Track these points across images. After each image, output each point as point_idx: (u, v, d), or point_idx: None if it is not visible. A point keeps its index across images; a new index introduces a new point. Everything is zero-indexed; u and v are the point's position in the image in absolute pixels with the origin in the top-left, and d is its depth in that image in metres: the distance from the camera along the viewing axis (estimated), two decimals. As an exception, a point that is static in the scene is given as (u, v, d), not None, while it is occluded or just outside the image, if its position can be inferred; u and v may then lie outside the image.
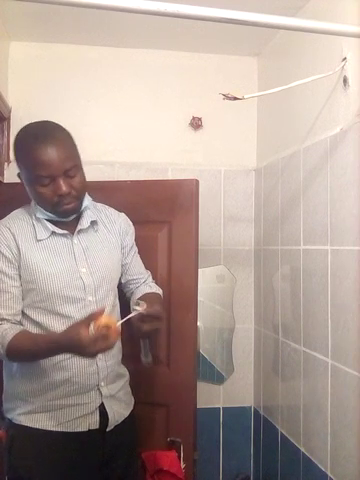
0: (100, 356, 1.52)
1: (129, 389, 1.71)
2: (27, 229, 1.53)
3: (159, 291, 1.80)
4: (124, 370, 1.69)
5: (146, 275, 1.81)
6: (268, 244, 2.35)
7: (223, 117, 2.46)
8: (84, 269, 1.55)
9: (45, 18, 2.09)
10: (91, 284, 1.55)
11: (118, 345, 1.63)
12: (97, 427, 1.54)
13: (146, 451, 1.83)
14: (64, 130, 1.54)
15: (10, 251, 1.48)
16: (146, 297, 1.60)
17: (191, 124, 2.46)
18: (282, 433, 2.15)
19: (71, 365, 1.51)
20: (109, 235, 1.67)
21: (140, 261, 1.81)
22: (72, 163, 1.47)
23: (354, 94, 1.60)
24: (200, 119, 2.46)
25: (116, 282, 1.68)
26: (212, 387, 2.49)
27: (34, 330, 1.50)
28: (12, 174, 2.31)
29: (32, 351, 1.42)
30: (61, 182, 1.45)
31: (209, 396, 2.46)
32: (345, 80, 1.63)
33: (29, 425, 1.49)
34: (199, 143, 2.48)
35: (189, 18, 1.30)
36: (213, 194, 2.47)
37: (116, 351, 1.61)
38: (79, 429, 1.51)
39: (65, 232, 1.55)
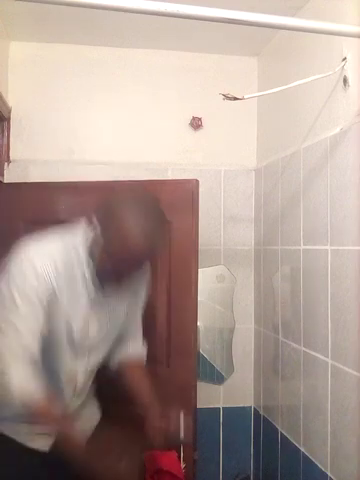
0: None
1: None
2: None
3: None
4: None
5: None
6: (268, 244, 2.35)
7: (223, 117, 2.46)
8: None
9: (45, 18, 2.09)
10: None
11: None
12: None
13: (146, 451, 1.83)
14: None
15: None
16: None
17: (191, 124, 2.46)
18: (282, 433, 2.15)
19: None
20: None
21: None
22: None
23: (354, 94, 1.60)
24: (200, 119, 2.46)
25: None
26: (212, 387, 2.49)
27: None
28: (12, 174, 2.33)
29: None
30: None
31: (209, 396, 2.46)
32: (345, 80, 1.63)
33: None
34: (199, 143, 2.48)
35: (189, 18, 1.30)
36: (213, 194, 2.47)
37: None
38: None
39: None
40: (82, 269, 1.43)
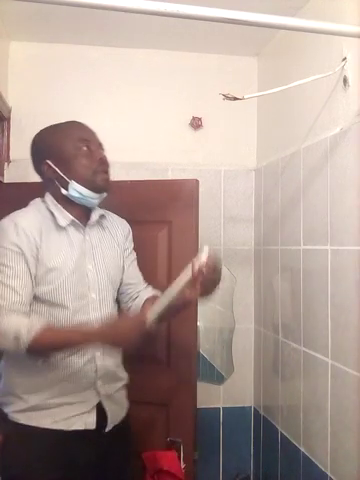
0: (98, 355, 1.53)
1: (125, 393, 1.69)
2: (46, 217, 1.53)
3: None
4: (124, 374, 1.68)
5: (145, 283, 1.77)
6: (268, 244, 2.35)
7: (223, 117, 2.46)
8: (90, 266, 1.57)
9: (45, 18, 2.09)
10: (95, 282, 1.57)
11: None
12: (93, 427, 1.52)
13: (146, 451, 1.83)
14: None
15: (30, 248, 1.46)
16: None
17: (191, 124, 2.46)
18: (282, 433, 2.15)
19: (69, 363, 1.50)
20: (112, 239, 1.68)
21: (138, 268, 1.78)
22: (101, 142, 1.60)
23: (354, 94, 1.60)
24: (200, 119, 2.46)
25: (117, 284, 1.68)
26: (212, 387, 2.49)
27: (46, 315, 1.49)
28: (12, 174, 2.33)
29: (62, 346, 1.43)
30: (99, 150, 1.57)
31: (209, 396, 2.46)
32: (345, 80, 1.63)
33: (25, 423, 1.48)
34: (199, 143, 2.48)
35: (189, 18, 1.30)
36: (213, 194, 2.47)
37: (115, 352, 1.60)
38: (75, 427, 1.50)
39: (80, 224, 1.57)
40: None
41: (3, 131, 2.34)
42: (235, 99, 1.48)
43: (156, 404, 1.97)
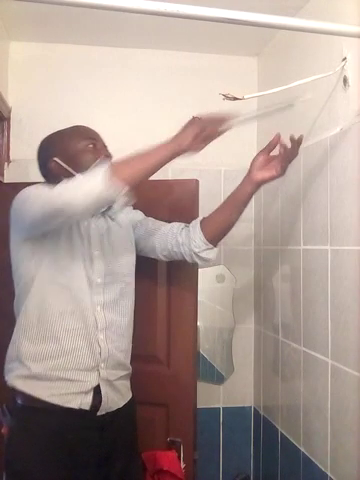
0: (101, 338, 1.57)
1: (128, 384, 1.71)
2: None
3: None
4: (128, 364, 1.70)
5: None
6: (268, 244, 2.35)
7: (223, 117, 2.46)
8: (97, 252, 1.61)
9: (45, 18, 2.09)
10: (101, 266, 1.60)
11: (123, 334, 1.65)
12: (87, 408, 1.53)
13: (146, 451, 1.83)
14: None
15: None
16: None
17: (191, 124, 2.45)
18: (282, 433, 2.15)
19: (77, 337, 1.54)
20: (120, 229, 1.73)
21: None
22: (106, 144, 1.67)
23: (354, 94, 1.60)
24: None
25: (125, 274, 1.70)
26: (212, 387, 2.49)
27: (51, 287, 1.54)
28: (12, 174, 2.33)
29: (139, 167, 1.44)
30: (105, 148, 1.65)
31: (209, 396, 2.46)
32: (345, 80, 1.63)
33: (21, 389, 1.51)
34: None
35: (189, 18, 1.30)
36: (213, 194, 2.46)
37: (119, 338, 1.63)
38: (69, 405, 1.51)
39: None
40: None
41: (3, 131, 2.34)
42: (235, 99, 1.48)
43: (156, 404, 1.96)
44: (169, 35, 2.28)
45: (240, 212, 1.73)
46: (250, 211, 2.52)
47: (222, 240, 2.56)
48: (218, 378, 2.50)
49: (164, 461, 1.80)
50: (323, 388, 1.75)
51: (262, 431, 2.43)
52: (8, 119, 2.34)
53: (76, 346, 1.54)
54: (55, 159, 1.59)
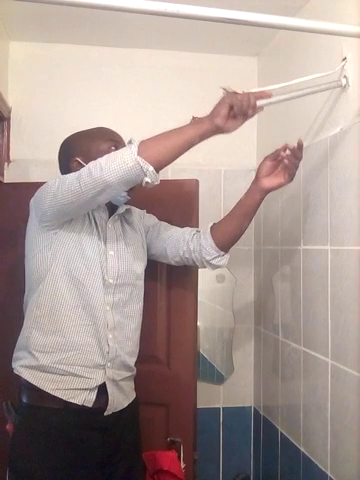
0: (110, 337, 1.58)
1: (132, 384, 1.73)
2: None
3: None
4: (133, 366, 1.70)
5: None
6: (268, 244, 2.35)
7: (223, 117, 2.45)
8: (112, 252, 1.62)
9: (45, 18, 2.09)
10: (115, 267, 1.61)
11: (129, 336, 1.65)
12: (90, 406, 1.53)
13: (146, 451, 1.83)
14: None
15: None
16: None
17: (191, 124, 2.45)
18: (282, 433, 2.15)
19: (87, 333, 1.54)
20: (135, 233, 1.75)
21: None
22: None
23: (354, 94, 1.60)
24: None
25: (137, 277, 1.71)
26: (212, 387, 2.49)
27: (66, 280, 1.55)
28: (12, 174, 2.33)
29: (167, 143, 1.47)
30: None
31: (209, 396, 2.46)
32: (345, 80, 1.63)
33: (28, 379, 1.52)
34: (199, 143, 2.47)
35: (189, 18, 1.30)
36: (213, 194, 2.47)
37: (125, 340, 1.64)
38: (73, 401, 1.52)
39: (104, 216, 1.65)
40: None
41: (3, 131, 2.34)
42: (235, 94, 1.49)
43: (156, 404, 1.97)
44: (169, 35, 2.28)
45: (250, 219, 1.74)
46: (250, 211, 2.52)
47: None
48: (218, 378, 2.50)
49: (164, 461, 1.80)
50: (323, 388, 1.75)
51: (262, 431, 2.43)
52: (8, 119, 2.34)
53: (86, 342, 1.55)
54: (77, 159, 1.60)
